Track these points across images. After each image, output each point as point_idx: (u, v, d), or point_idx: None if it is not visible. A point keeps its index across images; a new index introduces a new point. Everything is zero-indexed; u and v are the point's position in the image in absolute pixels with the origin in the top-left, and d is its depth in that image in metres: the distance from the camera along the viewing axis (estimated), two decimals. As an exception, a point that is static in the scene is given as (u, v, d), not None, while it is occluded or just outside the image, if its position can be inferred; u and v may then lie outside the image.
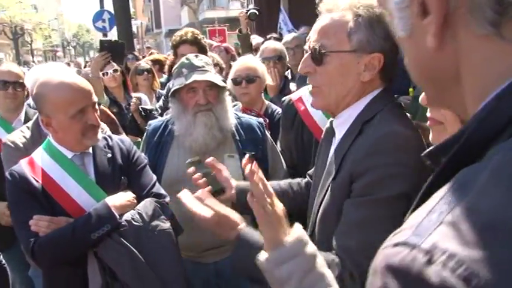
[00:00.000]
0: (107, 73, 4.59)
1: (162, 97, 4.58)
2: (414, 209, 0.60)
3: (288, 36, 5.09)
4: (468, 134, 0.59)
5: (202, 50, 4.06)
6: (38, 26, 56.56)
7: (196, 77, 2.45)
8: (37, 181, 2.05)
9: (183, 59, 2.60)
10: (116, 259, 2.03)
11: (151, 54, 8.75)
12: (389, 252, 0.51)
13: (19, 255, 2.78)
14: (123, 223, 2.04)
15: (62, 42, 78.55)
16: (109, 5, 14.33)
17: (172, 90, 2.57)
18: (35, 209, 2.00)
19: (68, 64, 13.87)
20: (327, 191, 1.60)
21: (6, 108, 3.37)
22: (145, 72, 5.15)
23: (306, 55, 1.62)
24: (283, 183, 2.11)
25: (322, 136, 1.84)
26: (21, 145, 2.82)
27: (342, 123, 1.64)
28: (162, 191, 2.28)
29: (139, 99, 4.54)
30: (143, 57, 8.51)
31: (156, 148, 2.63)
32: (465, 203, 0.49)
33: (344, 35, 1.53)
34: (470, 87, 0.65)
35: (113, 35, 17.00)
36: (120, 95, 4.76)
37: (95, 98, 2.13)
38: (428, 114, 1.46)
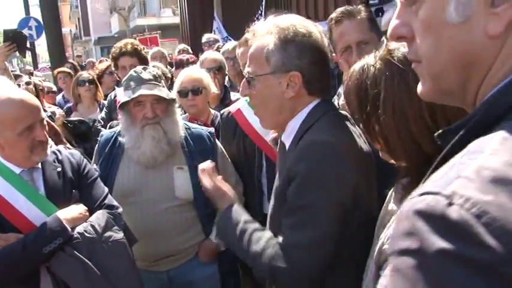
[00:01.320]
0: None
1: (104, 108, 4.53)
2: (430, 174, 0.72)
3: (228, 45, 5.13)
4: (483, 111, 0.70)
5: (143, 61, 4.08)
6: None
7: (142, 91, 2.48)
8: (-16, 198, 2.00)
9: (132, 72, 2.62)
10: (70, 272, 2.02)
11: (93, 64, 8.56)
12: (415, 200, 0.62)
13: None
14: (75, 236, 2.03)
15: (-19, 49, 74.07)
16: (34, 12, 13.79)
17: (120, 103, 2.59)
18: (-18, 227, 1.96)
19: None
20: (276, 204, 1.75)
21: None
22: (87, 83, 5.06)
23: (243, 80, 1.78)
24: None
25: (277, 149, 1.97)
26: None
27: (288, 136, 1.76)
28: (114, 203, 2.29)
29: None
30: (81, 66, 8.25)
31: (108, 160, 2.64)
32: (479, 161, 0.60)
33: (263, 60, 1.69)
34: (493, 74, 0.73)
35: (40, 43, 16.34)
36: None
37: (43, 114, 2.12)
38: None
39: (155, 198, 2.58)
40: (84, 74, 5.30)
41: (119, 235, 2.15)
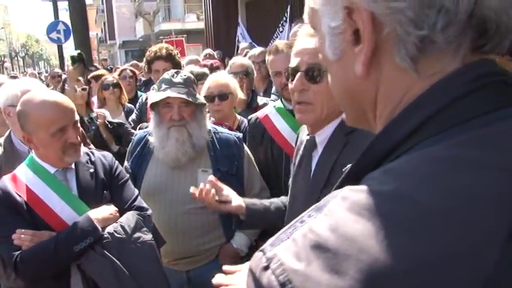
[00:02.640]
0: (76, 90, 4.60)
1: (135, 111, 4.61)
2: None
3: (254, 50, 5.15)
4: (356, 160, 0.70)
5: (177, 65, 4.15)
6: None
7: (170, 93, 2.56)
8: (20, 196, 2.08)
9: (165, 75, 2.70)
10: (99, 271, 2.07)
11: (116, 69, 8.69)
12: (255, 255, 0.63)
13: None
14: (105, 235, 2.09)
15: (9, 52, 75.95)
16: (63, 16, 14.08)
17: (150, 103, 2.67)
18: (18, 224, 2.03)
19: (20, 75, 13.42)
20: (318, 200, 1.72)
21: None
22: (111, 87, 5.15)
23: (299, 74, 1.75)
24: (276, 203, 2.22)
25: (300, 151, 1.97)
26: (-6, 162, 2.81)
27: (324, 140, 1.79)
28: (144, 204, 2.34)
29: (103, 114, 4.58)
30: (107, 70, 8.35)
31: (138, 158, 2.73)
32: (311, 222, 0.59)
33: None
34: (380, 113, 0.72)
35: (67, 46, 16.66)
36: (82, 110, 4.76)
37: (77, 117, 2.19)
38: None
39: (179, 199, 2.63)
40: (109, 78, 5.39)
41: (148, 236, 2.20)
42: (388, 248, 0.50)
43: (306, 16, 0.80)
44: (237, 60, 4.18)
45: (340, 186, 0.67)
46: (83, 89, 4.66)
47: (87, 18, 14.09)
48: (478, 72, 0.64)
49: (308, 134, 1.89)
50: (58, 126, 2.08)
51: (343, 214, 0.56)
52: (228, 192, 2.11)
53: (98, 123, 4.45)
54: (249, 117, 3.13)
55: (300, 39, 1.79)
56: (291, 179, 2.01)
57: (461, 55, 0.64)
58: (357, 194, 0.57)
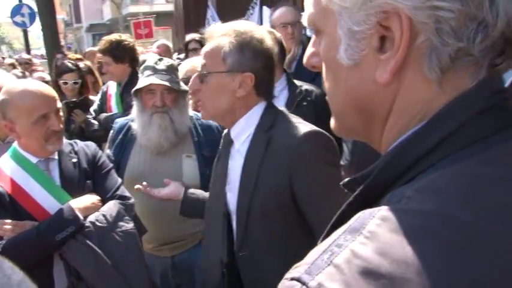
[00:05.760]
0: (67, 82, 4.48)
1: (97, 100, 4.53)
2: (326, 235, 0.68)
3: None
4: (373, 175, 0.66)
5: (118, 58, 4.24)
6: None
7: (153, 79, 2.56)
8: (2, 186, 2.06)
9: (148, 61, 2.70)
10: (80, 260, 2.06)
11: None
12: (285, 285, 0.57)
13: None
14: (86, 225, 2.08)
15: (-30, 36, 73.22)
16: (27, -1, 13.63)
17: (134, 90, 2.67)
18: (-1, 214, 2.00)
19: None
20: (252, 196, 1.81)
21: None
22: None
23: (194, 75, 1.87)
24: None
25: (220, 146, 2.10)
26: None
27: (239, 134, 1.90)
28: (127, 193, 2.33)
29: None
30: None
31: (121, 146, 2.73)
32: (352, 246, 0.54)
33: (220, 58, 1.81)
34: (391, 126, 0.70)
35: (34, 30, 16.13)
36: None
37: (59, 104, 2.17)
38: None
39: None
40: (81, 65, 5.25)
41: (129, 225, 2.19)
42: (449, 269, 0.50)
43: (307, 16, 0.76)
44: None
45: (354, 203, 0.67)
46: (75, 83, 4.52)
47: (54, 1, 13.68)
48: (493, 89, 0.64)
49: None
50: (40, 113, 2.07)
51: (389, 236, 0.53)
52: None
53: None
54: None
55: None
56: (212, 173, 2.13)
57: (483, 71, 0.64)
58: (398, 214, 0.55)
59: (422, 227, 0.53)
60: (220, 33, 1.83)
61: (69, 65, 4.59)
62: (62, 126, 2.17)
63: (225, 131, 2.02)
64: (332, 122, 0.81)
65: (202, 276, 2.71)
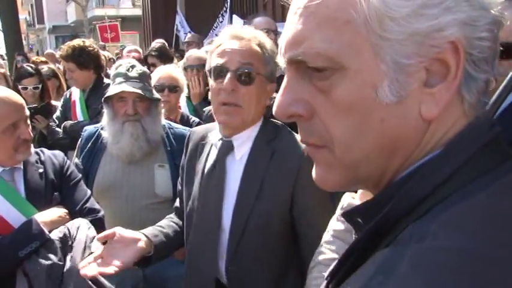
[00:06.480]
0: (26, 88, 4.28)
1: (59, 107, 4.36)
2: (336, 271, 0.68)
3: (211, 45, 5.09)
4: (388, 209, 0.63)
5: (83, 65, 4.13)
6: None
7: (125, 87, 2.50)
8: (-40, 199, 1.92)
9: (120, 68, 2.63)
10: (36, 274, 1.94)
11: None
12: None
13: None
14: (52, 239, 1.97)
15: None
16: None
17: (104, 97, 2.59)
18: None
19: None
20: (253, 207, 1.73)
21: None
22: (46, 78, 4.81)
23: (229, 74, 1.69)
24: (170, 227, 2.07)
25: (206, 154, 1.91)
26: None
27: (242, 144, 1.80)
28: (96, 206, 2.24)
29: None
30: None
31: (90, 154, 2.65)
32: None
33: (262, 62, 1.73)
34: (412, 159, 0.66)
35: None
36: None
37: (27, 112, 2.07)
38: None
39: (135, 195, 2.59)
40: (45, 68, 5.06)
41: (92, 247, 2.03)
42: None
43: (314, 51, 0.64)
44: (193, 53, 4.14)
45: (365, 238, 0.64)
46: (35, 88, 4.33)
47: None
48: (492, 120, 0.66)
49: (222, 138, 1.84)
50: (9, 121, 1.97)
51: (425, 278, 0.51)
52: (123, 233, 1.80)
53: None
54: (204, 109, 3.10)
55: (225, 40, 1.76)
56: (198, 185, 1.88)
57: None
58: (429, 253, 0.53)
59: (455, 267, 0.51)
60: (249, 36, 1.75)
61: (29, 69, 4.41)
62: (31, 134, 2.08)
63: (216, 139, 1.87)
64: (333, 177, 0.70)
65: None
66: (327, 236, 1.35)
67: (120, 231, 1.77)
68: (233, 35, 1.73)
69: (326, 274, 0.69)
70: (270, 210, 1.72)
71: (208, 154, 1.89)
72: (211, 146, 1.89)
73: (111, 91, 2.54)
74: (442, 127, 0.64)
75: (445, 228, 0.55)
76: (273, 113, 0.71)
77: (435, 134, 0.65)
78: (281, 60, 0.70)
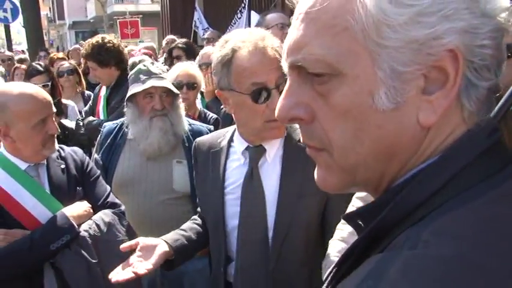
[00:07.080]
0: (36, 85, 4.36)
1: (90, 102, 4.43)
2: (336, 271, 0.69)
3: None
4: (385, 214, 0.64)
5: (103, 63, 4.11)
6: None
7: (154, 82, 2.55)
8: (-12, 194, 1.99)
9: (140, 66, 2.68)
10: (74, 270, 2.01)
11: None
12: None
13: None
14: (81, 233, 2.04)
15: None
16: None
17: (128, 95, 2.63)
18: (-13, 224, 1.93)
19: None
20: (296, 208, 1.75)
21: None
22: (66, 74, 4.90)
23: (273, 92, 1.65)
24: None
25: (229, 162, 1.89)
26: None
27: (272, 146, 1.81)
28: (117, 201, 2.30)
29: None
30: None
31: (109, 150, 2.69)
32: None
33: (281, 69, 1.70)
34: (409, 165, 0.67)
35: (13, 24, 15.85)
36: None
37: (54, 109, 2.13)
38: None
39: (153, 190, 2.62)
40: (65, 64, 5.13)
41: (122, 234, 2.16)
42: None
43: (314, 56, 0.65)
44: (208, 51, 4.16)
45: (363, 241, 0.66)
46: (44, 86, 4.29)
47: (38, -4, 13.46)
48: (493, 126, 0.65)
49: (249, 145, 1.83)
50: (39, 117, 2.03)
51: (412, 285, 0.52)
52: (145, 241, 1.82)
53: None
54: (222, 107, 3.14)
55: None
56: (229, 191, 1.86)
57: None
58: (418, 260, 0.54)
59: (443, 275, 0.51)
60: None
61: (38, 67, 4.41)
62: (58, 129, 2.13)
63: (242, 146, 1.85)
64: (332, 179, 0.72)
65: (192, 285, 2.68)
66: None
67: (142, 239, 1.80)
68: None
69: (325, 276, 0.71)
70: (311, 207, 1.76)
71: (225, 161, 1.88)
72: (229, 153, 1.89)
73: (138, 88, 2.57)
74: (440, 134, 0.65)
75: (438, 235, 0.56)
76: (275, 116, 0.73)
77: (433, 141, 0.65)
78: (284, 65, 0.72)
